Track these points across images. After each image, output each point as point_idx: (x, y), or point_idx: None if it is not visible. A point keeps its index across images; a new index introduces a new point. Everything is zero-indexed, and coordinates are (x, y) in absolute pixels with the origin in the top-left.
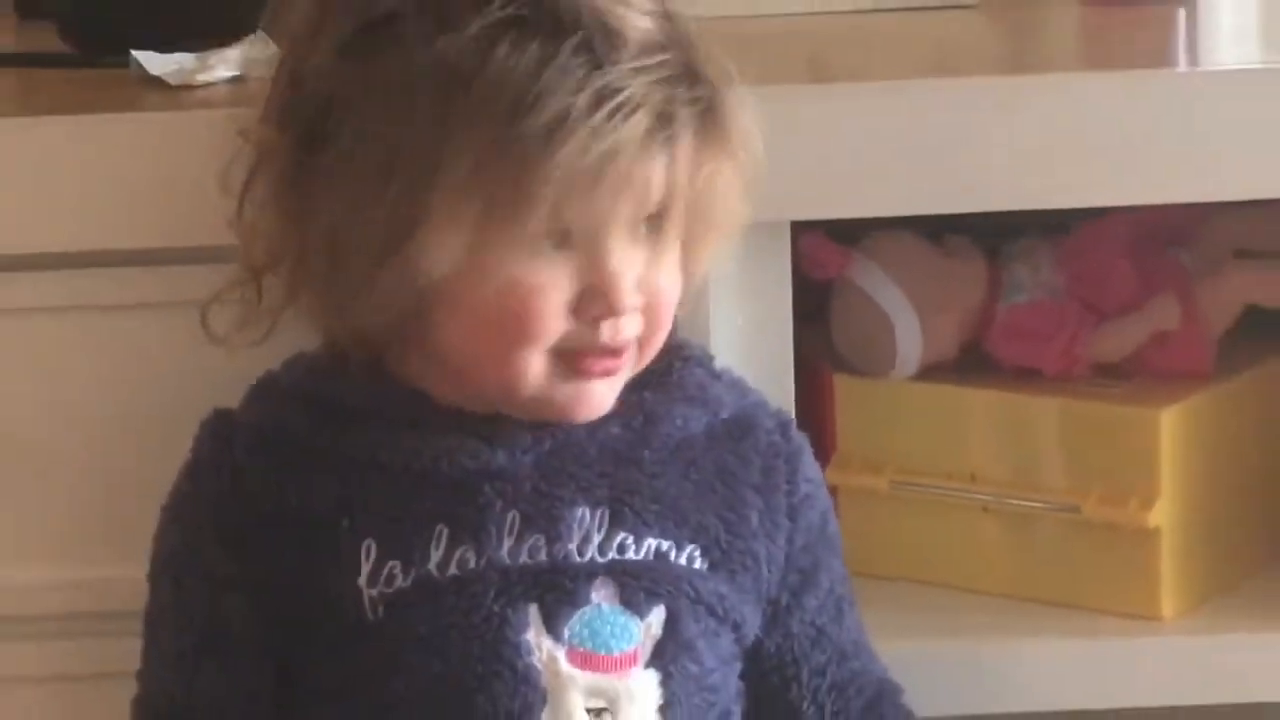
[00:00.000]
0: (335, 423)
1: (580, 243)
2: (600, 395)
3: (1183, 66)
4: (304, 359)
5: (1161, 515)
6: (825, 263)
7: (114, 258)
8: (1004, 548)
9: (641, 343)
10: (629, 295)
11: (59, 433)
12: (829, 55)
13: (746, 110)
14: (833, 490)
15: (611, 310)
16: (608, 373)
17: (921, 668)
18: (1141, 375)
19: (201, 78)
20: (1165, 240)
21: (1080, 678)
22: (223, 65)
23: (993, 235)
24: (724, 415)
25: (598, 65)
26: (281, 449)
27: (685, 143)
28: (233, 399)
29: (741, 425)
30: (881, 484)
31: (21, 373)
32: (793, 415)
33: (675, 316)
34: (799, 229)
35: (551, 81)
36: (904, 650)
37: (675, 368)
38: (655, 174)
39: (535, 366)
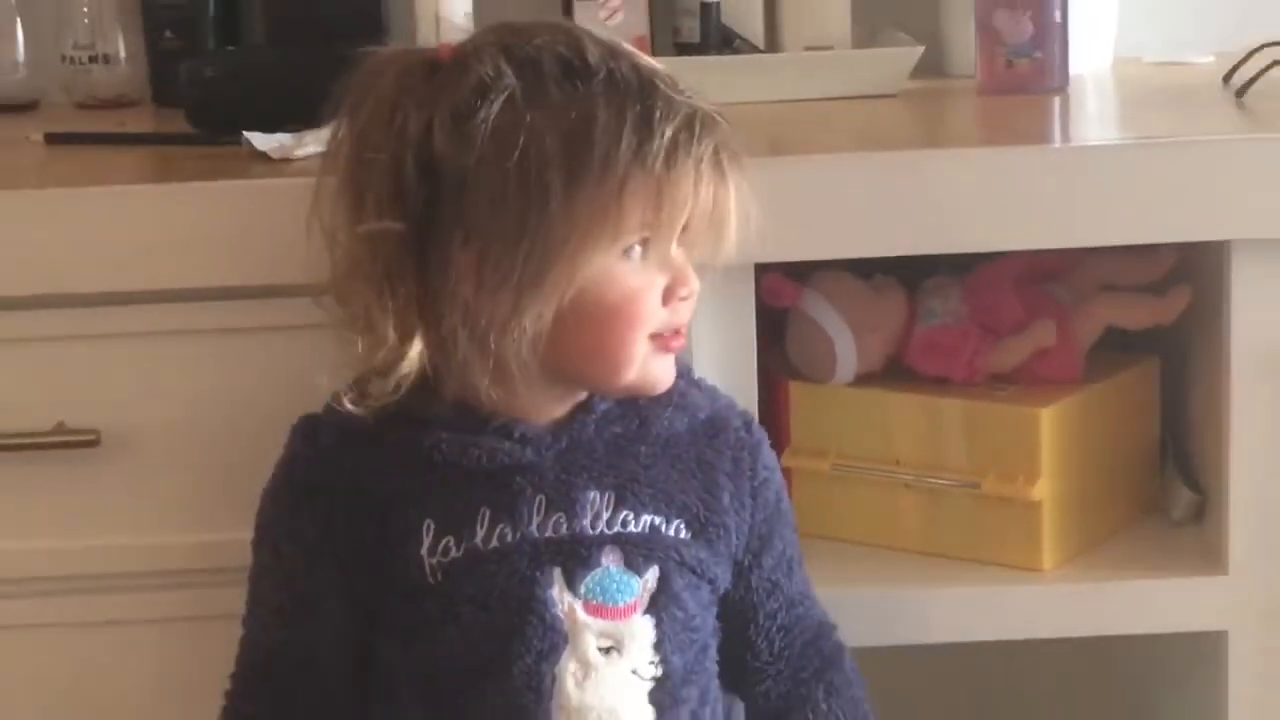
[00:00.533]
0: (401, 427)
1: (654, 246)
2: (672, 368)
3: (1057, 143)
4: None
5: (1043, 490)
6: (782, 295)
7: (227, 292)
8: (920, 516)
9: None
10: (695, 281)
11: (186, 427)
12: (786, 134)
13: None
14: (787, 472)
15: (690, 293)
16: (680, 348)
17: (854, 608)
18: (1027, 382)
19: (297, 152)
20: (1045, 277)
21: (978, 616)
22: (314, 142)
23: (911, 273)
24: (702, 416)
25: (669, 100)
26: (358, 446)
27: (724, 154)
28: (320, 403)
29: (715, 424)
30: (825, 467)
31: (157, 381)
32: (755, 415)
33: None
34: (761, 269)
35: (656, 120)
36: (841, 594)
37: None
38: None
39: (642, 349)
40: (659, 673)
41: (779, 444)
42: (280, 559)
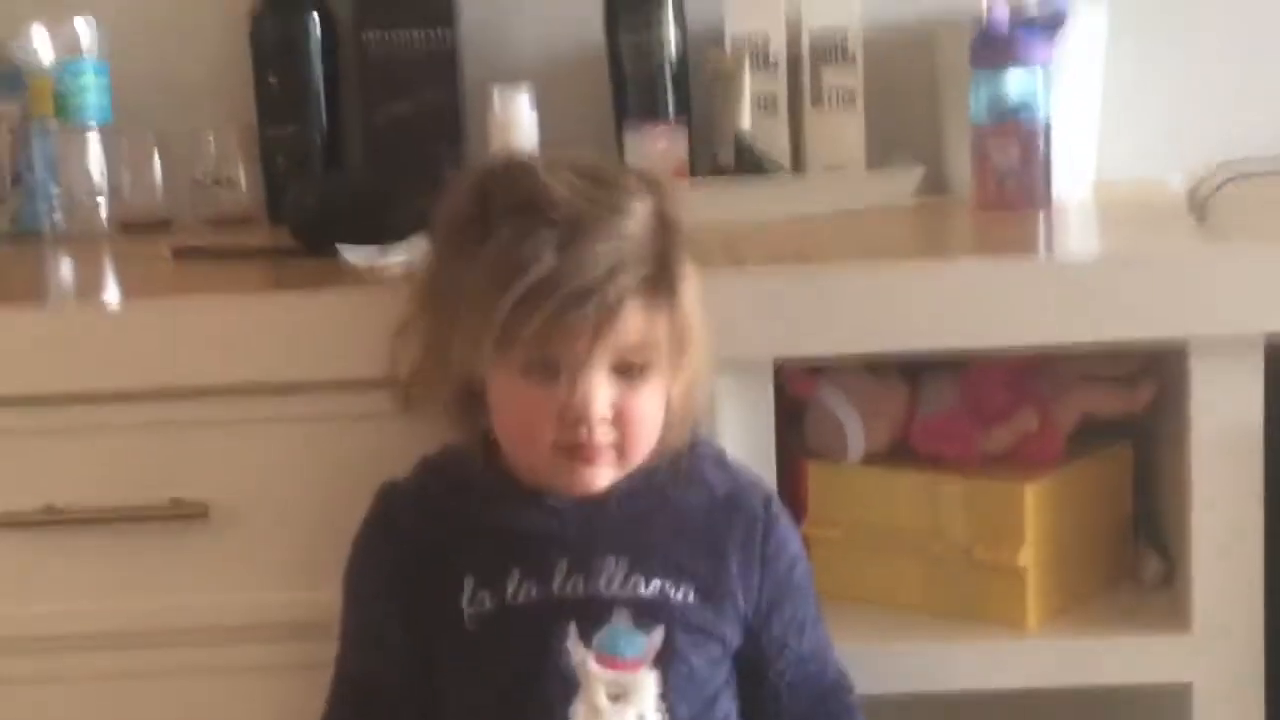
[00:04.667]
0: (456, 493)
1: (547, 370)
2: (593, 475)
3: (1041, 255)
4: (448, 449)
5: (1027, 557)
6: (801, 387)
7: (323, 385)
8: (920, 579)
9: (620, 448)
10: (593, 405)
11: (283, 500)
12: (807, 244)
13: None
14: (805, 539)
15: (577, 417)
16: (590, 459)
17: (861, 661)
18: (1013, 462)
19: (382, 264)
20: (1029, 371)
21: (970, 669)
22: (397, 255)
23: (912, 366)
24: (720, 494)
25: (562, 262)
26: (422, 509)
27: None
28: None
29: (733, 501)
30: (838, 535)
31: (258, 461)
32: (775, 493)
33: (696, 420)
34: (780, 364)
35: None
36: (849, 648)
37: (684, 459)
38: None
39: (543, 457)
40: (665, 719)
41: (798, 515)
42: (357, 598)
